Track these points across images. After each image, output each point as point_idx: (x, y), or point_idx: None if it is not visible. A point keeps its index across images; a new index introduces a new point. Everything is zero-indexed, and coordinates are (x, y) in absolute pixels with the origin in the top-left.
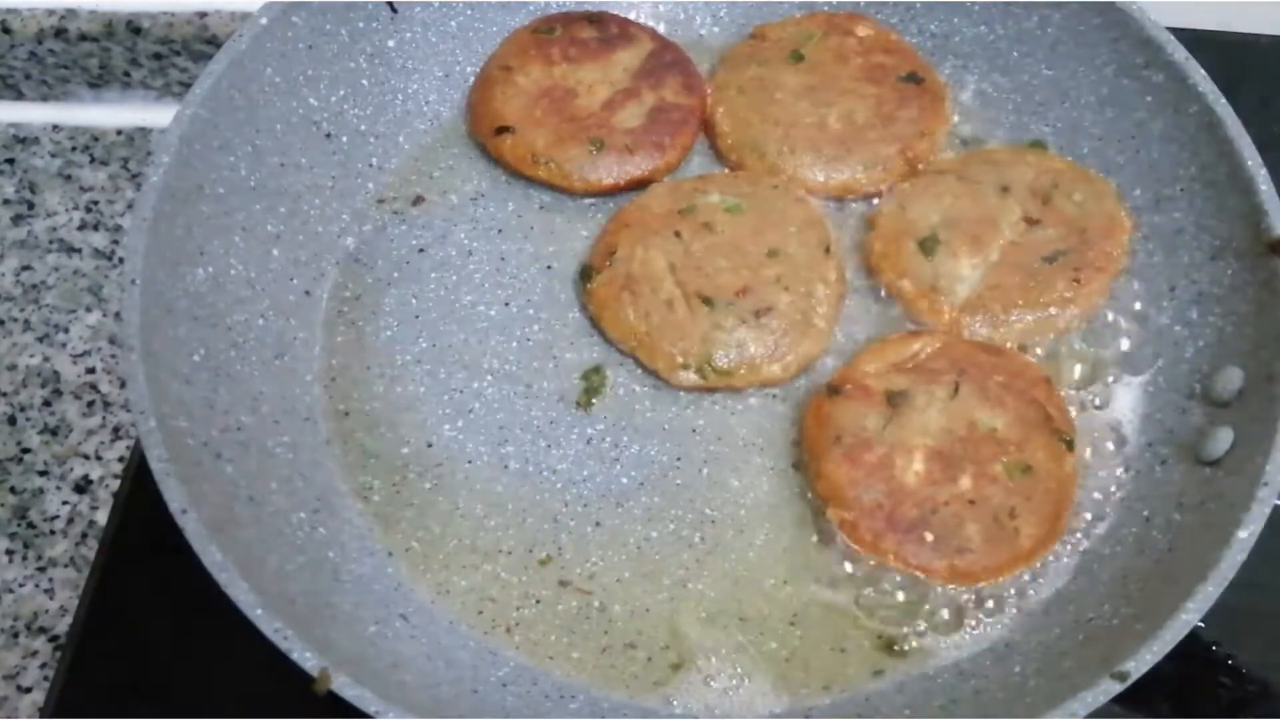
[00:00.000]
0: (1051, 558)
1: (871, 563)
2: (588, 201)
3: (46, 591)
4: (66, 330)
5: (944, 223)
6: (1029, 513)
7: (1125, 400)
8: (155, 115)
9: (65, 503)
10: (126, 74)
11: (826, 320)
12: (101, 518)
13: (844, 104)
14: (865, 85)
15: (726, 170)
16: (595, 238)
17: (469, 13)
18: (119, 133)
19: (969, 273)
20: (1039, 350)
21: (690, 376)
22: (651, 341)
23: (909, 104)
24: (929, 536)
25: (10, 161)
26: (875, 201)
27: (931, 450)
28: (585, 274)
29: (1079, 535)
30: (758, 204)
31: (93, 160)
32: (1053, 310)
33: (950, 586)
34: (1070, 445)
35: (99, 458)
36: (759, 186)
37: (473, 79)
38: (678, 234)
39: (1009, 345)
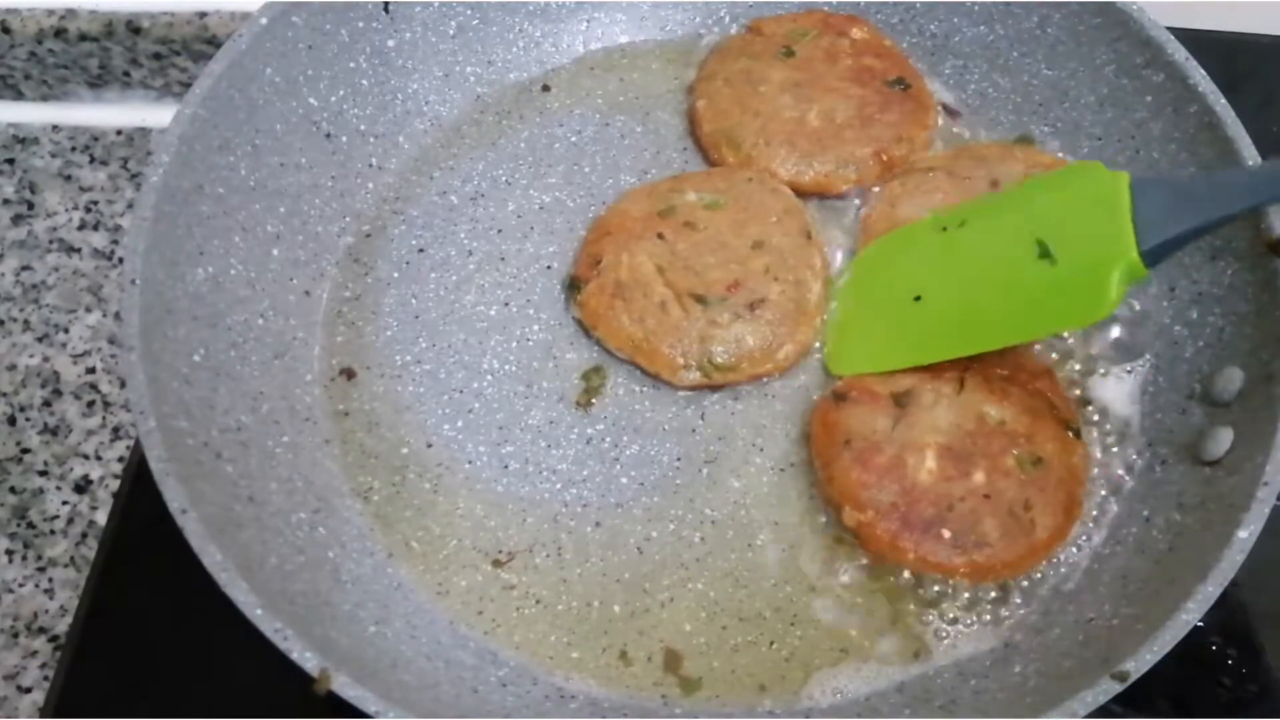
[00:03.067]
0: (1052, 557)
1: (865, 562)
2: (588, 202)
3: (46, 591)
4: (66, 330)
5: None
6: (1043, 504)
7: (1125, 400)
8: (155, 115)
9: (65, 503)
10: (126, 74)
11: (818, 306)
12: (101, 518)
13: (826, 102)
14: (851, 86)
15: (704, 164)
16: (577, 249)
17: (468, 13)
18: (119, 133)
19: None
20: (1036, 348)
21: (693, 375)
22: (650, 346)
23: (891, 108)
24: (946, 534)
25: (10, 161)
26: (858, 202)
27: (942, 447)
28: (573, 285)
29: (1079, 535)
30: (735, 198)
31: (93, 160)
32: None
33: (955, 587)
34: (1078, 434)
35: (99, 458)
36: (734, 181)
37: (472, 79)
38: (661, 236)
39: None
